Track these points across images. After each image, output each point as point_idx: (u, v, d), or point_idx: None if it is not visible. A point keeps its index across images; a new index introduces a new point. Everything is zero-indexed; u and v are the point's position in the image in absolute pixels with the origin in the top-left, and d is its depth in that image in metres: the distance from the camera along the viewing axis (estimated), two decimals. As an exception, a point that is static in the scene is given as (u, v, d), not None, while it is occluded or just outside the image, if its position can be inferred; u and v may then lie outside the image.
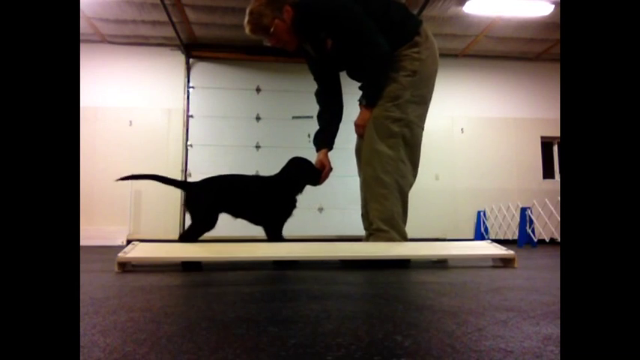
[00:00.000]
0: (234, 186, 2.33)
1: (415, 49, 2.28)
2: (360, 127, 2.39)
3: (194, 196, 2.29)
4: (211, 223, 2.24)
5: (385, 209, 2.22)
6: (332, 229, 5.85)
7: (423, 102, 2.36)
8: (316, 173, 2.48)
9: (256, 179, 2.44)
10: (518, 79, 6.58)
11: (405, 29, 2.29)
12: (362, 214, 2.44)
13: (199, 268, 2.00)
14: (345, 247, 2.19)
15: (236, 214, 2.36)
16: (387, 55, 2.23)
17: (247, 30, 2.34)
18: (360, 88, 2.46)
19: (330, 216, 5.98)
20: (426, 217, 6.05)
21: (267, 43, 2.39)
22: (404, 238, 2.25)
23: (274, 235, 2.32)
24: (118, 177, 2.32)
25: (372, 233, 2.25)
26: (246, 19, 2.31)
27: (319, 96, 2.63)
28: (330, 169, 2.51)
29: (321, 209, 5.96)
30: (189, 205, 2.29)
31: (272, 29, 2.26)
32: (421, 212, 6.06)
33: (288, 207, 2.36)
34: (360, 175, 2.48)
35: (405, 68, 2.27)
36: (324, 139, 2.56)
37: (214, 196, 2.27)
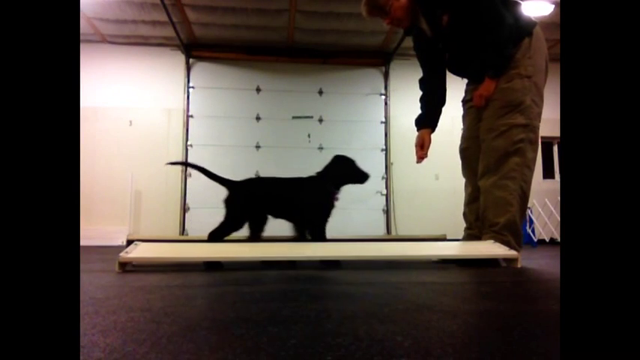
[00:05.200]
0: (275, 187, 2.39)
1: (527, 54, 2.28)
2: (483, 99, 2.34)
3: (235, 194, 2.32)
4: (241, 224, 2.29)
5: (509, 215, 2.24)
6: (332, 229, 5.85)
7: (541, 102, 2.35)
8: (361, 173, 2.50)
9: (296, 180, 2.47)
10: (519, 79, 6.57)
11: (518, 29, 2.26)
12: (463, 213, 2.51)
13: (221, 267, 2.01)
14: (350, 248, 2.19)
15: (276, 215, 2.40)
16: (511, 26, 2.21)
17: (364, 12, 2.38)
18: (469, 70, 2.44)
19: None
20: (426, 217, 6.05)
21: (383, 22, 2.43)
22: (519, 244, 2.26)
23: (316, 234, 2.35)
24: (168, 162, 2.37)
25: (488, 232, 2.28)
26: (363, 1, 2.36)
27: (423, 83, 2.62)
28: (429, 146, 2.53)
29: (321, 209, 5.96)
30: (228, 203, 2.33)
31: (387, 8, 2.31)
32: (421, 212, 6.07)
33: (326, 206, 2.38)
34: (465, 175, 2.54)
35: (521, 75, 2.27)
36: (427, 119, 2.57)
37: (256, 197, 2.32)
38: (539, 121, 2.34)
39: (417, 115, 2.61)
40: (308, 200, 2.35)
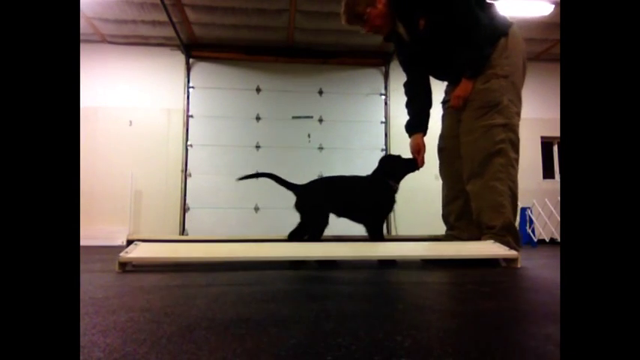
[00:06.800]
0: (339, 186, 2.43)
1: (504, 54, 2.29)
2: (460, 100, 2.37)
3: (303, 198, 2.37)
4: (323, 222, 2.33)
5: (504, 217, 2.25)
6: (332, 228, 5.86)
7: (518, 101, 2.37)
8: (411, 161, 2.54)
9: (357, 179, 2.50)
10: (519, 79, 6.58)
11: (494, 30, 2.29)
12: (443, 215, 2.50)
13: (336, 266, 2.04)
14: (351, 248, 2.19)
15: (340, 214, 2.43)
16: (487, 27, 2.23)
17: (343, 20, 2.41)
18: (450, 71, 2.46)
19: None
20: (426, 217, 6.03)
21: (362, 30, 2.46)
22: (518, 243, 2.26)
23: (375, 233, 2.37)
24: (239, 178, 2.48)
25: (487, 233, 2.29)
26: (342, 10, 2.40)
27: (407, 86, 2.66)
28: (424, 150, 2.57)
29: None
30: (298, 206, 2.38)
31: (365, 16, 2.34)
32: (421, 212, 6.06)
33: (389, 203, 2.42)
34: (442, 175, 2.56)
35: (497, 75, 2.28)
36: (417, 124, 2.60)
37: (321, 197, 2.36)
38: (519, 120, 2.36)
39: (407, 120, 2.64)
40: (373, 198, 2.38)
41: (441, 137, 2.60)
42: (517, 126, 2.33)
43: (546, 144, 6.63)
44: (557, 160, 6.66)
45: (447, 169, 2.56)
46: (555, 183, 6.48)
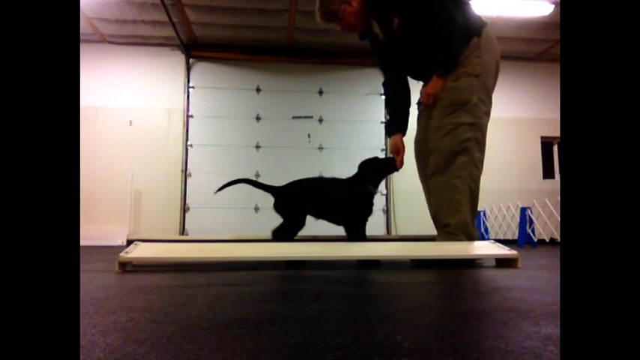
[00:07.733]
0: (317, 188, 2.44)
1: (475, 52, 2.28)
2: (430, 97, 2.36)
3: (281, 199, 2.37)
4: (300, 223, 2.33)
5: (461, 216, 2.25)
6: (332, 228, 5.86)
7: (488, 101, 2.36)
8: (390, 161, 2.53)
9: (336, 181, 2.49)
10: (518, 79, 6.59)
11: (468, 29, 2.28)
12: (432, 217, 2.49)
13: (303, 266, 2.05)
14: (340, 248, 2.19)
15: (318, 215, 2.43)
16: (461, 25, 2.23)
17: (318, 17, 2.41)
18: (426, 68, 2.44)
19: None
20: (426, 217, 6.05)
21: (336, 27, 2.46)
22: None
23: (358, 235, 2.36)
24: (217, 190, 2.44)
25: (441, 233, 2.29)
26: (317, 7, 2.39)
27: (386, 85, 2.65)
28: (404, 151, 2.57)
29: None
30: (277, 207, 2.38)
31: (340, 14, 2.34)
32: (422, 212, 6.07)
33: (369, 207, 2.41)
34: (421, 179, 2.53)
35: (468, 73, 2.27)
36: (397, 124, 2.60)
37: (299, 198, 2.36)
38: (487, 120, 2.35)
39: (387, 121, 2.64)
40: (350, 200, 2.38)
41: (416, 141, 2.58)
42: (485, 126, 2.33)
43: (546, 144, 6.64)
44: (557, 160, 6.67)
45: (423, 171, 2.54)
46: (555, 183, 6.49)
